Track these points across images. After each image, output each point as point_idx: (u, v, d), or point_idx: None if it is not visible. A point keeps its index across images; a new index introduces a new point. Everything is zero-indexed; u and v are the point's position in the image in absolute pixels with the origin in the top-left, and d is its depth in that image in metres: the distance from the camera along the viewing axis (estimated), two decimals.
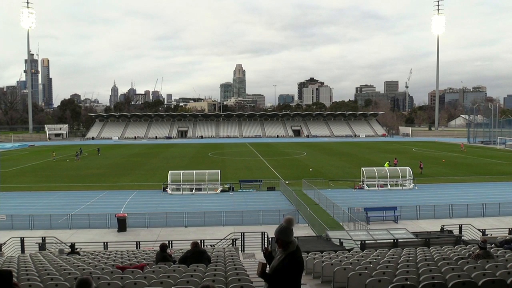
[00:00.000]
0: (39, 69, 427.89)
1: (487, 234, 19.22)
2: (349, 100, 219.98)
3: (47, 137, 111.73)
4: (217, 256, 11.71)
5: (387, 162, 44.67)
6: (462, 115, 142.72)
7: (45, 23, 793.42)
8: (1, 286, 4.15)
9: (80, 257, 13.55)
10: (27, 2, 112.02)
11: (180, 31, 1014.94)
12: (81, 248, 17.83)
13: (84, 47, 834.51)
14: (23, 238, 20.08)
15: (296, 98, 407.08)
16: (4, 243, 19.38)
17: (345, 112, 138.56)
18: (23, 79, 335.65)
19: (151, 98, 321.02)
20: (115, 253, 15.02)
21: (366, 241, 16.60)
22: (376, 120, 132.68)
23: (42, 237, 20.44)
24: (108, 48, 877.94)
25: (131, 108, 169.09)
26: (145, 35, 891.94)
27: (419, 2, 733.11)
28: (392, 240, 16.91)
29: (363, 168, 37.58)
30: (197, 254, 10.13)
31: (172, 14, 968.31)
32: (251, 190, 35.19)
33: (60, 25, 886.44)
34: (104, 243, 19.58)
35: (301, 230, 22.69)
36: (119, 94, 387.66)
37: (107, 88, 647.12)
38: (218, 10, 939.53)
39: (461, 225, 21.43)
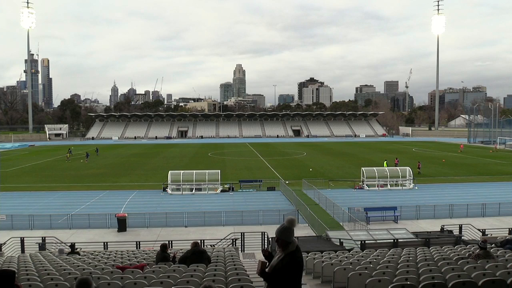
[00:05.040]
0: (39, 69, 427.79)
1: (487, 234, 19.22)
2: (349, 100, 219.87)
3: (47, 137, 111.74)
4: (217, 256, 11.71)
5: (385, 162, 44.70)
6: (462, 115, 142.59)
7: (49, 23, 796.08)
8: (4, 286, 4.15)
9: (80, 257, 13.55)
10: (27, 2, 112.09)
11: (182, 32, 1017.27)
12: (81, 248, 17.82)
13: (86, 47, 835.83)
14: (23, 238, 20.07)
15: (296, 98, 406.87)
16: (4, 243, 19.37)
17: (345, 112, 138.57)
18: (23, 79, 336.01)
19: (151, 98, 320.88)
20: (115, 253, 15.02)
21: (366, 241, 16.60)
22: (376, 120, 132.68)
23: (42, 237, 20.43)
24: (110, 48, 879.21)
25: (131, 108, 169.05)
26: (148, 36, 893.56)
27: (419, 2, 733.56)
28: (392, 240, 16.91)
29: (363, 168, 37.58)
30: (197, 254, 10.14)
31: (175, 15, 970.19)
32: (251, 190, 35.18)
33: (64, 26, 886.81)
34: (104, 243, 19.57)
35: (301, 230, 22.67)
36: (119, 94, 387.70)
37: (107, 88, 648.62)
38: (220, 10, 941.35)
39: (461, 225, 21.42)
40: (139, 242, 19.60)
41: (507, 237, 14.33)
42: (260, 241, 19.79)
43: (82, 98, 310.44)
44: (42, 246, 19.65)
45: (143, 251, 16.48)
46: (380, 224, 24.03)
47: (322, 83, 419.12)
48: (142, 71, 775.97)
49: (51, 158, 62.92)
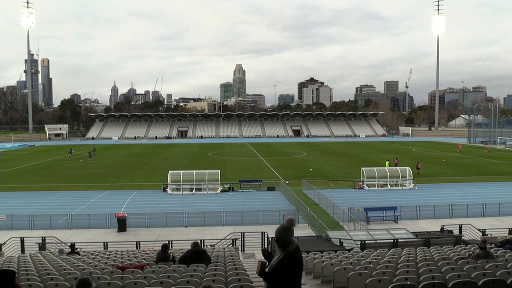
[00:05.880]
0: (39, 69, 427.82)
1: (487, 234, 19.22)
2: (349, 100, 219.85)
3: (47, 137, 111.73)
4: (217, 256, 11.70)
5: (387, 162, 44.65)
6: (462, 115, 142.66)
7: (49, 24, 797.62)
8: (4, 286, 4.16)
9: (80, 257, 13.55)
10: (27, 2, 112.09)
11: (183, 32, 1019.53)
12: (81, 248, 17.82)
13: (87, 47, 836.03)
14: (23, 238, 20.07)
15: (296, 98, 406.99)
16: (4, 243, 19.38)
17: (345, 112, 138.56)
18: (23, 79, 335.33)
19: (151, 98, 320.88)
20: (115, 253, 15.02)
21: (366, 241, 16.59)
22: (376, 120, 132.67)
23: (42, 237, 20.43)
24: (110, 48, 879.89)
25: (131, 108, 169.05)
26: (148, 36, 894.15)
27: (419, 2, 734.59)
28: (392, 240, 16.91)
29: (363, 168, 37.57)
30: (197, 254, 10.13)
31: (175, 15, 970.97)
32: (251, 190, 35.18)
33: (64, 26, 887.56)
34: (104, 243, 19.57)
35: (301, 230, 22.68)
36: (119, 94, 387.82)
37: (107, 88, 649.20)
38: (221, 11, 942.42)
39: (461, 225, 21.42)
40: (139, 242, 19.60)
41: (507, 237, 14.33)
42: (260, 241, 19.79)
43: (82, 98, 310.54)
44: (42, 246, 19.64)
45: (143, 251, 16.48)
46: (380, 224, 24.03)
47: (322, 83, 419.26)
48: (142, 71, 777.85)
49: (51, 158, 62.91)
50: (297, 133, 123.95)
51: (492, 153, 66.45)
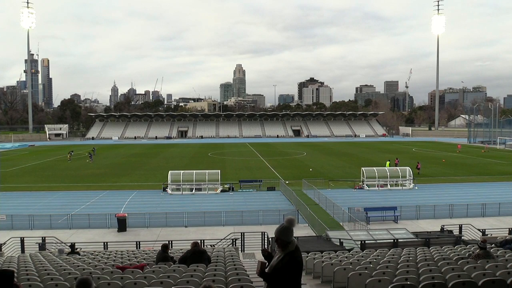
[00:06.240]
0: (39, 69, 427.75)
1: (487, 234, 19.22)
2: (349, 100, 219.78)
3: (47, 137, 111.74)
4: (217, 256, 11.70)
5: (388, 162, 44.62)
6: (462, 115, 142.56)
7: (50, 24, 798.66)
8: (3, 286, 4.16)
9: (80, 257, 13.55)
10: (27, 2, 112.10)
11: (183, 32, 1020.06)
12: (81, 248, 17.83)
13: (87, 47, 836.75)
14: (23, 238, 20.07)
15: (296, 98, 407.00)
16: (4, 243, 19.38)
17: (345, 112, 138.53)
18: (23, 79, 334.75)
19: (151, 98, 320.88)
20: (115, 253, 15.02)
21: (366, 241, 16.59)
22: (376, 120, 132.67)
23: (42, 237, 20.43)
24: (110, 48, 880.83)
25: (131, 108, 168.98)
26: (148, 36, 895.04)
27: (419, 2, 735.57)
28: (392, 240, 16.91)
29: (363, 168, 37.57)
30: (197, 254, 10.13)
31: (175, 15, 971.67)
32: (251, 190, 35.18)
33: (64, 26, 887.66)
34: (104, 243, 19.57)
35: (301, 230, 22.68)
36: (119, 94, 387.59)
37: (107, 88, 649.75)
38: (221, 11, 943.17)
39: (461, 225, 21.42)
40: (139, 242, 19.59)
41: (507, 237, 14.33)
42: (260, 241, 19.79)
43: (82, 98, 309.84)
44: (42, 246, 19.65)
45: (143, 251, 16.48)
46: (380, 224, 24.03)
47: (322, 83, 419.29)
48: (142, 71, 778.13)
49: (51, 158, 62.91)
50: (297, 133, 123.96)
51: (492, 153, 66.45)
